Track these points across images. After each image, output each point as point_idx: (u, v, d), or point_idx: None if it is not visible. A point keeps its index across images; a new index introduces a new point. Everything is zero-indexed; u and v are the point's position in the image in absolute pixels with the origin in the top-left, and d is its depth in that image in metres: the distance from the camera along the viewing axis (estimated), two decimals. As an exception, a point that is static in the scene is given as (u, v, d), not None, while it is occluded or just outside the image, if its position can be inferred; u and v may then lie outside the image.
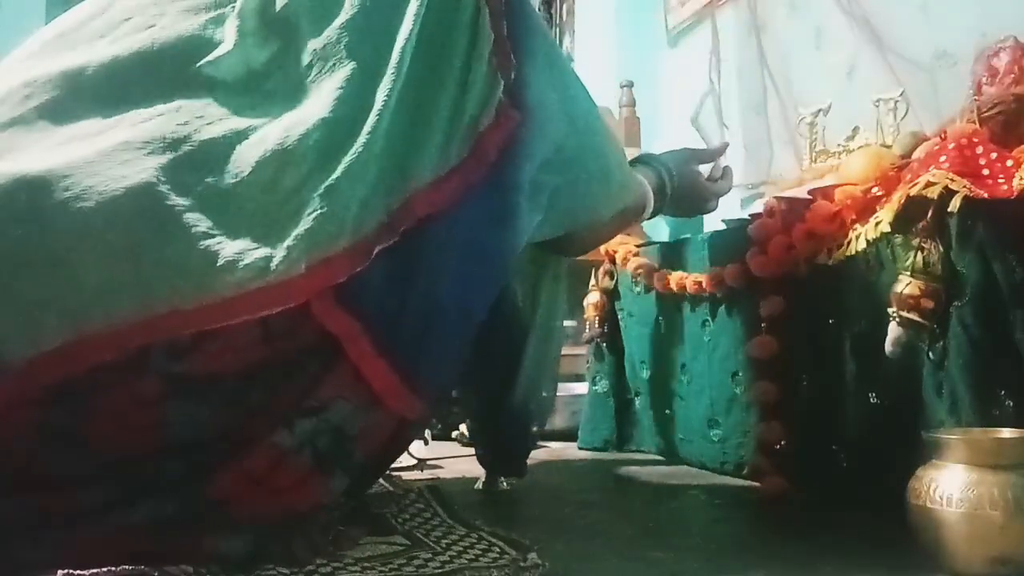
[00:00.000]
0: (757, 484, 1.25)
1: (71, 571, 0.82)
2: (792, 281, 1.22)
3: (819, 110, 1.71)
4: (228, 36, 1.02)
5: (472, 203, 1.00)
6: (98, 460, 0.87)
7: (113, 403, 0.86)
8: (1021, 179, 0.94)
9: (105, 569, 0.83)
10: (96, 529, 0.85)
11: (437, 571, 0.89)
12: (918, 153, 1.12)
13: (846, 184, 1.15)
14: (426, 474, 1.42)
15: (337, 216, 0.90)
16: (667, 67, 2.51)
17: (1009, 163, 0.98)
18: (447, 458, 1.42)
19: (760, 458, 1.26)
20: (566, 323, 2.09)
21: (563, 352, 1.67)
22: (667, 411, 1.52)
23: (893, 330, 1.00)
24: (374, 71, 0.97)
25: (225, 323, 0.87)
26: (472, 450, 1.60)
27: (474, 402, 1.32)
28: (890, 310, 1.00)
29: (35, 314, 0.83)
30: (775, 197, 1.34)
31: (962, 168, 0.98)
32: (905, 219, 1.02)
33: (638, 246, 1.59)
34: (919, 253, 0.98)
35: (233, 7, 1.04)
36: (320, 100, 0.96)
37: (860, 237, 1.08)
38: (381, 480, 1.30)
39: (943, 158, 1.00)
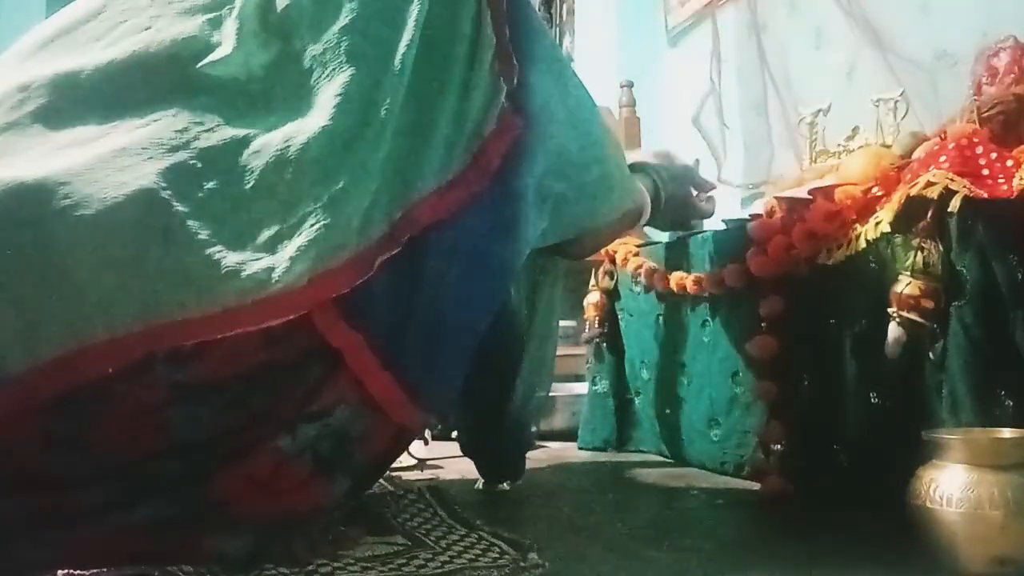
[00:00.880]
0: (757, 484, 1.25)
1: (71, 571, 0.82)
2: (792, 281, 1.22)
3: (819, 110, 1.71)
4: (228, 38, 1.00)
5: (476, 212, 0.99)
6: (100, 463, 0.87)
7: (116, 411, 0.86)
8: (1021, 179, 0.94)
9: (105, 569, 0.83)
10: (96, 529, 0.85)
11: (437, 571, 0.89)
12: (918, 153, 1.12)
13: (846, 184, 1.14)
14: (426, 474, 1.42)
15: (340, 227, 0.89)
16: (667, 67, 2.51)
17: (1009, 163, 0.98)
18: (447, 458, 1.42)
19: (760, 458, 1.26)
20: (566, 323, 2.10)
21: (563, 352, 1.67)
22: (667, 411, 1.52)
23: (893, 330, 1.00)
24: (375, 77, 0.96)
25: (227, 333, 0.86)
26: (472, 450, 1.60)
27: (470, 409, 1.29)
28: (890, 310, 1.00)
29: (35, 324, 0.83)
30: (775, 197, 1.34)
31: (962, 168, 0.98)
32: (905, 219, 1.02)
33: (638, 246, 1.59)
34: (919, 253, 0.98)
35: (230, 8, 1.03)
36: (320, 107, 0.95)
37: (860, 237, 1.08)
38: (381, 480, 1.31)
39: (943, 158, 1.00)
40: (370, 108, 0.95)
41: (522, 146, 1.03)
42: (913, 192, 1.00)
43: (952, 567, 0.82)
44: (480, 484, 1.33)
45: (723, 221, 1.50)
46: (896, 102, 1.46)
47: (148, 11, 1.04)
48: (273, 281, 0.86)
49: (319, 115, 0.94)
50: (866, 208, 1.10)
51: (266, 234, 0.89)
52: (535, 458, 1.61)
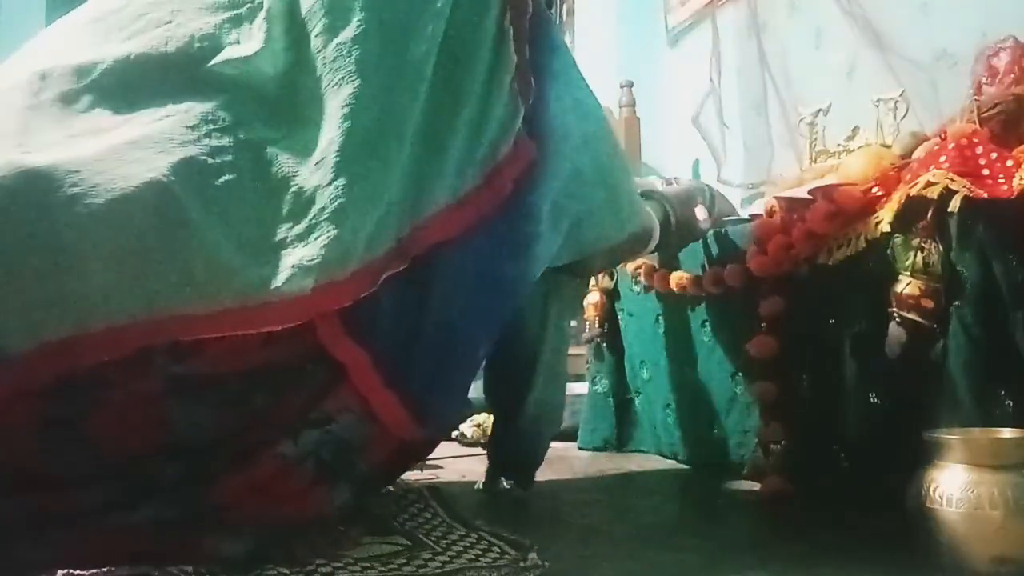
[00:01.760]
0: (757, 484, 1.25)
1: (71, 571, 0.82)
2: (792, 281, 1.22)
3: (819, 110, 1.71)
4: (252, 37, 1.00)
5: (486, 233, 0.99)
6: (100, 458, 0.87)
7: (115, 399, 0.86)
8: (1021, 179, 0.94)
9: (105, 569, 0.83)
10: (96, 529, 0.85)
11: (437, 571, 0.89)
12: (918, 153, 1.12)
13: (846, 184, 1.14)
14: (426, 474, 1.42)
15: (347, 239, 0.89)
16: (667, 67, 2.51)
17: (1009, 163, 0.98)
18: (447, 458, 1.42)
19: (760, 458, 1.26)
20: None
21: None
22: (667, 411, 1.52)
23: (893, 330, 1.00)
24: (388, 88, 0.95)
25: (226, 333, 0.86)
26: (472, 450, 1.60)
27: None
28: (890, 310, 1.00)
29: (36, 308, 0.82)
30: (775, 197, 1.34)
31: (962, 168, 0.98)
32: (905, 219, 1.02)
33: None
34: (919, 253, 0.98)
35: (251, 8, 1.02)
36: (332, 116, 0.94)
37: (860, 237, 1.08)
38: (381, 480, 1.30)
39: (943, 158, 1.00)
40: (381, 120, 0.94)
41: (537, 169, 1.03)
42: (913, 192, 1.00)
43: (952, 567, 0.82)
44: (480, 484, 1.33)
45: (723, 220, 1.50)
46: (896, 102, 1.46)
47: (170, 5, 1.03)
48: (276, 287, 0.86)
49: (330, 124, 0.93)
50: (866, 208, 1.10)
51: (273, 238, 0.89)
52: (535, 458, 1.61)
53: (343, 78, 0.95)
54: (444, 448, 1.40)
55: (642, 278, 1.54)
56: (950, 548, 0.81)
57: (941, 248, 0.98)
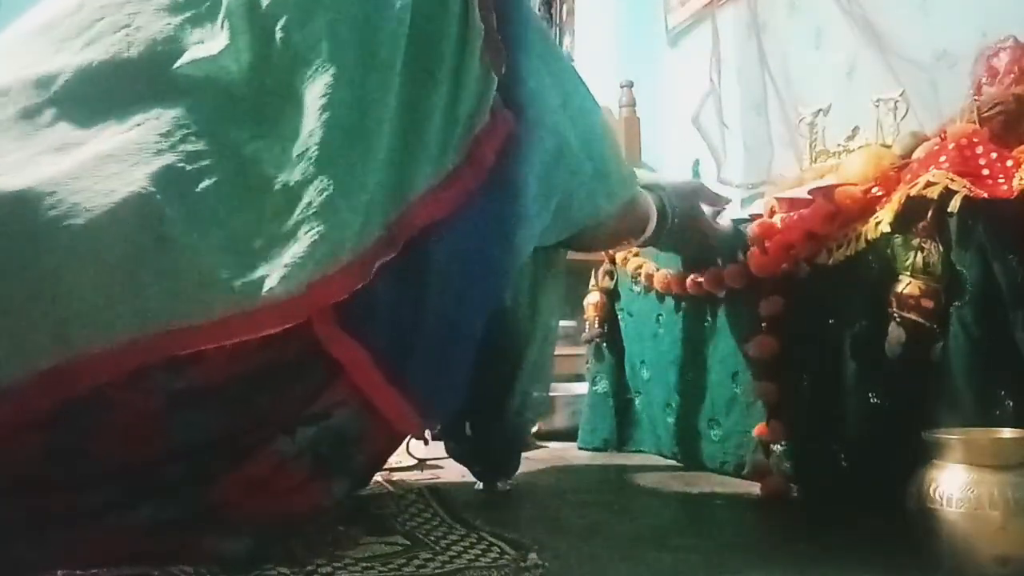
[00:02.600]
0: (757, 484, 1.25)
1: (71, 571, 0.82)
2: (792, 281, 1.22)
3: (819, 110, 1.71)
4: (214, 37, 0.97)
5: (473, 211, 0.97)
6: (100, 468, 0.86)
7: (115, 419, 0.85)
8: (1021, 179, 0.94)
9: (105, 569, 0.83)
10: (96, 530, 0.84)
11: (437, 571, 0.88)
12: (918, 153, 1.12)
13: (846, 184, 1.14)
14: (426, 474, 1.42)
15: (336, 233, 0.87)
16: (667, 67, 2.51)
17: (1009, 163, 0.98)
18: (447, 458, 1.41)
19: (760, 458, 1.26)
20: (566, 323, 2.10)
21: (563, 352, 1.66)
22: (667, 411, 1.52)
23: (893, 330, 1.00)
24: (361, 75, 0.93)
25: (223, 342, 0.84)
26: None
27: (464, 412, 1.24)
28: (890, 310, 1.00)
29: (26, 337, 0.80)
30: (775, 197, 1.34)
31: (962, 168, 0.98)
32: (905, 219, 1.02)
33: (638, 246, 1.59)
34: (919, 253, 0.98)
35: (211, 6, 0.99)
36: (308, 109, 0.92)
37: (860, 237, 1.08)
38: (381, 480, 1.31)
39: (943, 158, 1.00)
40: (359, 107, 0.92)
41: (517, 140, 1.01)
42: (913, 192, 1.00)
43: (952, 567, 0.82)
44: (480, 485, 1.33)
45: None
46: (896, 102, 1.46)
47: (126, 7, 1.00)
48: (268, 290, 0.85)
49: (308, 117, 0.92)
50: (866, 208, 1.10)
51: (260, 240, 0.88)
52: (535, 458, 1.61)
53: (316, 69, 0.93)
54: (444, 448, 1.40)
55: (642, 278, 1.54)
56: (950, 548, 0.81)
57: (941, 248, 0.98)
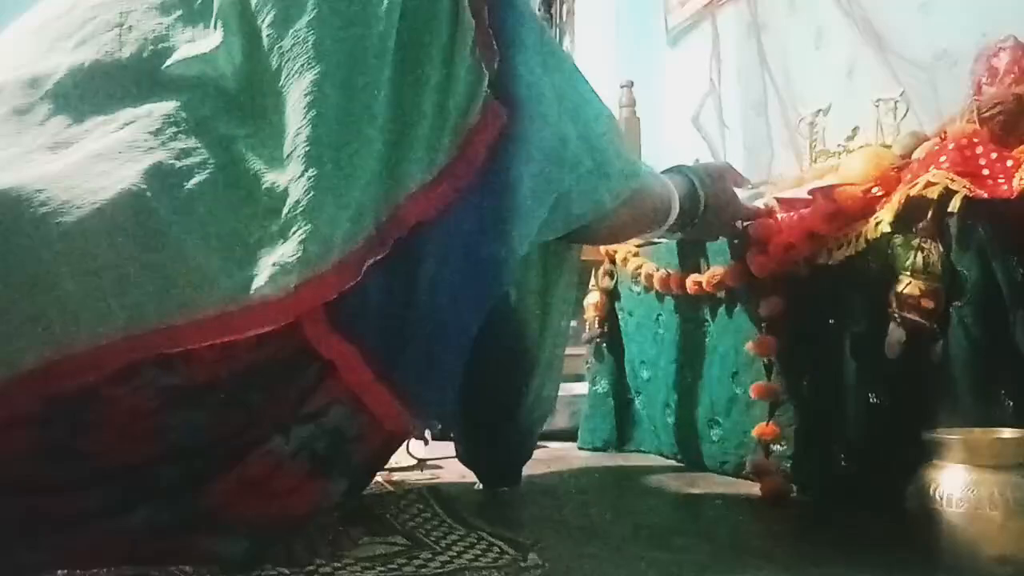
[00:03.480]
0: (757, 484, 1.25)
1: (70, 573, 0.82)
2: (792, 281, 1.22)
3: (819, 110, 1.71)
4: (207, 35, 0.97)
5: (465, 208, 0.96)
6: (96, 469, 0.86)
7: (110, 416, 0.84)
8: (1021, 179, 0.94)
9: (104, 571, 0.83)
10: (94, 531, 0.84)
11: (437, 571, 0.88)
12: (918, 153, 1.12)
13: (846, 184, 1.15)
14: (426, 474, 1.42)
15: (325, 232, 0.87)
16: (667, 67, 2.51)
17: (1009, 163, 0.98)
18: (447, 458, 1.41)
19: (760, 458, 1.26)
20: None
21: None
22: (667, 411, 1.52)
23: (893, 330, 1.00)
24: (351, 70, 0.92)
25: (213, 341, 0.84)
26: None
27: (474, 419, 1.24)
28: (890, 310, 1.00)
29: (13, 335, 0.80)
30: (775, 197, 1.34)
31: (962, 168, 0.98)
32: (905, 219, 1.02)
33: (638, 246, 1.59)
34: (919, 253, 0.98)
35: (200, 3, 0.99)
36: (296, 106, 0.91)
37: (860, 237, 1.08)
38: (381, 480, 1.31)
39: (943, 158, 1.00)
40: (347, 104, 0.91)
41: (511, 136, 0.99)
42: (913, 192, 1.00)
43: (952, 567, 0.82)
44: (480, 484, 1.33)
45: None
46: (896, 102, 1.47)
47: (118, 6, 1.00)
48: (258, 289, 0.84)
49: (295, 115, 0.91)
50: (866, 208, 1.10)
51: (250, 238, 0.87)
52: (535, 458, 1.60)
53: (302, 66, 0.92)
54: (444, 448, 1.40)
55: (642, 278, 1.54)
56: (950, 548, 0.81)
57: (941, 248, 0.98)
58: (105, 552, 0.84)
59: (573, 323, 1.91)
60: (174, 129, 0.91)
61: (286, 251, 0.86)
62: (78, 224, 0.81)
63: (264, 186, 0.89)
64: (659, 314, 1.53)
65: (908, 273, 0.99)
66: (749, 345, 1.26)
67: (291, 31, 0.94)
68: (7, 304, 0.80)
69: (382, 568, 0.89)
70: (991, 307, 0.94)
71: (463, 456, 1.35)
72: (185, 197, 0.87)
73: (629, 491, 1.36)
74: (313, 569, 0.87)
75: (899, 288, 0.99)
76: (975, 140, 1.02)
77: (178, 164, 0.88)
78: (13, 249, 0.80)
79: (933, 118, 1.38)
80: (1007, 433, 0.88)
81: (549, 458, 1.63)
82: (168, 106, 0.93)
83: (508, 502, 1.28)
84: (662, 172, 1.30)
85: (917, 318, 0.98)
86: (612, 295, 1.67)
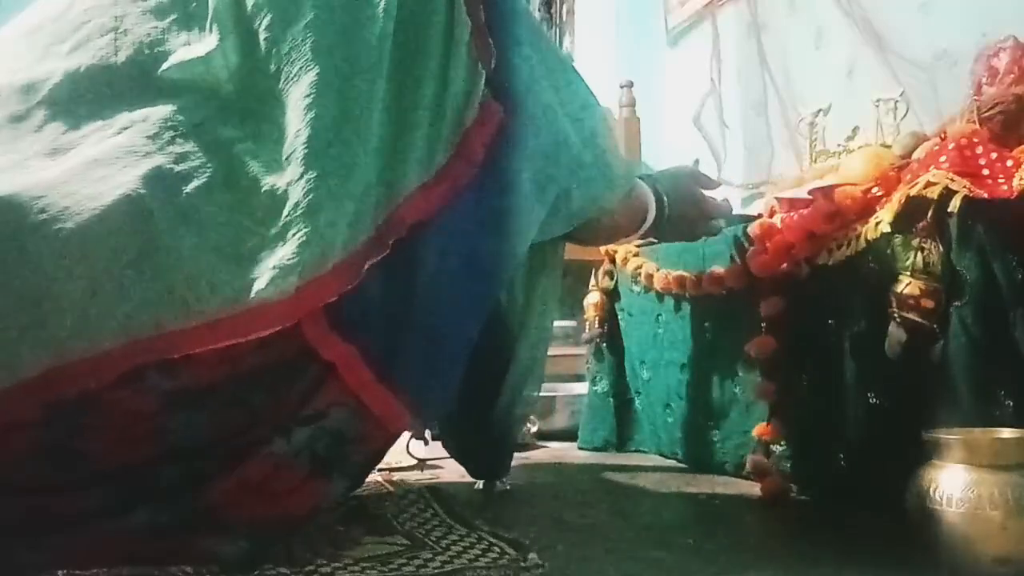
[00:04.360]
0: (757, 484, 1.25)
1: (70, 573, 0.83)
2: (792, 281, 1.22)
3: (819, 110, 1.72)
4: (203, 39, 0.96)
5: (464, 208, 0.96)
6: (96, 469, 0.86)
7: (110, 419, 0.84)
8: (1021, 179, 0.94)
9: (105, 571, 0.83)
10: (94, 532, 0.84)
11: (437, 571, 0.89)
12: (918, 153, 1.12)
13: (846, 184, 1.14)
14: (426, 474, 1.42)
15: (324, 234, 0.87)
16: (667, 67, 2.51)
17: (1009, 163, 0.98)
18: (447, 458, 1.41)
19: (760, 458, 1.26)
20: (566, 323, 2.10)
21: (563, 352, 1.66)
22: (667, 411, 1.52)
23: (893, 330, 1.00)
24: (348, 72, 0.92)
25: (213, 345, 0.84)
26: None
27: (456, 411, 1.22)
28: (890, 310, 1.00)
29: (14, 342, 0.79)
30: (775, 197, 1.34)
31: (962, 168, 0.98)
32: (905, 219, 1.02)
33: (638, 246, 1.59)
34: (919, 253, 0.98)
35: (196, 6, 0.98)
36: (295, 108, 0.91)
37: (860, 237, 1.08)
38: (381, 480, 1.31)
39: (943, 158, 1.00)
40: (345, 106, 0.91)
41: (508, 134, 0.99)
42: (913, 192, 1.00)
43: (952, 567, 0.82)
44: (480, 484, 1.33)
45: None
46: (896, 102, 1.47)
47: (112, 10, 1.00)
48: (258, 292, 0.84)
49: (293, 117, 0.91)
50: (866, 208, 1.10)
51: (250, 241, 0.87)
52: (535, 458, 1.61)
53: (300, 68, 0.92)
54: (443, 446, 1.40)
55: (642, 278, 1.54)
56: (950, 548, 0.81)
57: (941, 248, 0.98)
58: (105, 552, 0.84)
59: (573, 323, 1.92)
60: (171, 133, 0.91)
61: (286, 253, 0.86)
62: (78, 230, 0.81)
63: (263, 189, 0.89)
64: (659, 314, 1.53)
65: (908, 273, 0.99)
66: (749, 345, 1.26)
67: (289, 34, 0.94)
68: (7, 311, 0.80)
69: (382, 568, 0.89)
70: (991, 307, 0.94)
71: (449, 449, 1.36)
72: (184, 201, 0.87)
73: (629, 491, 1.36)
74: (313, 569, 0.87)
75: (899, 288, 0.99)
76: (975, 140, 1.02)
77: (176, 168, 0.88)
78: (13, 256, 0.80)
79: (933, 118, 1.38)
80: (1007, 433, 0.88)
81: (549, 458, 1.63)
82: (165, 110, 0.92)
83: (508, 502, 1.28)
84: None
85: (917, 318, 0.98)
86: (612, 295, 1.67)
